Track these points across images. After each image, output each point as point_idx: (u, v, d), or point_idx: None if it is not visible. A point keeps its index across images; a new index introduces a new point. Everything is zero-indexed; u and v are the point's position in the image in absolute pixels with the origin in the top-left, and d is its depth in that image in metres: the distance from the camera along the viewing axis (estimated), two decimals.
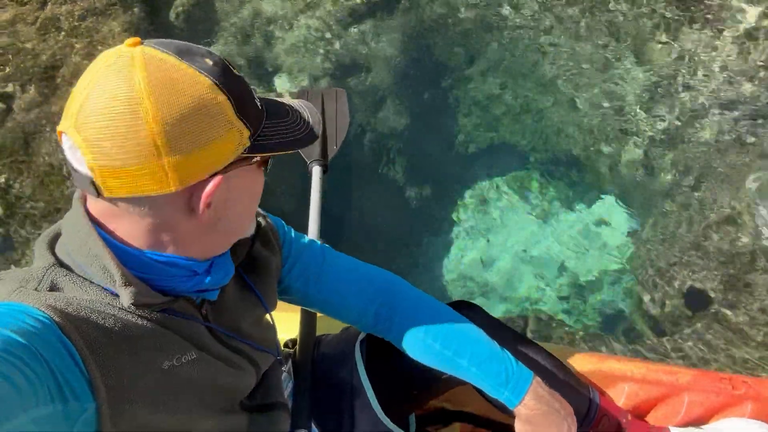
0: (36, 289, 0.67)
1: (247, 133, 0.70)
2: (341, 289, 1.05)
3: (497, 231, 2.68)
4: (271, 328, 0.99)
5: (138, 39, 0.67)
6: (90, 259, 0.70)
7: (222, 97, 0.67)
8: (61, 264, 0.71)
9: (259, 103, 0.73)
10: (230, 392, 0.86)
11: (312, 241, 1.09)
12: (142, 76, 0.63)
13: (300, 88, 2.26)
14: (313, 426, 1.11)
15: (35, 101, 2.69)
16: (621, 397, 1.29)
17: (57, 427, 0.57)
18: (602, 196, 2.74)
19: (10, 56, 2.81)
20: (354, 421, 1.11)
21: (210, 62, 0.68)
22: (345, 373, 1.14)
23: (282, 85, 2.92)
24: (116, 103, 0.62)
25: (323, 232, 1.56)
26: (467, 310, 1.13)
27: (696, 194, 2.48)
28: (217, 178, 0.69)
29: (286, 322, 1.35)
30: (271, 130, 0.74)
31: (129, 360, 0.67)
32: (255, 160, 0.73)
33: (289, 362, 1.12)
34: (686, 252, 2.32)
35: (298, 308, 1.43)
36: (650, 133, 2.74)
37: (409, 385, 1.15)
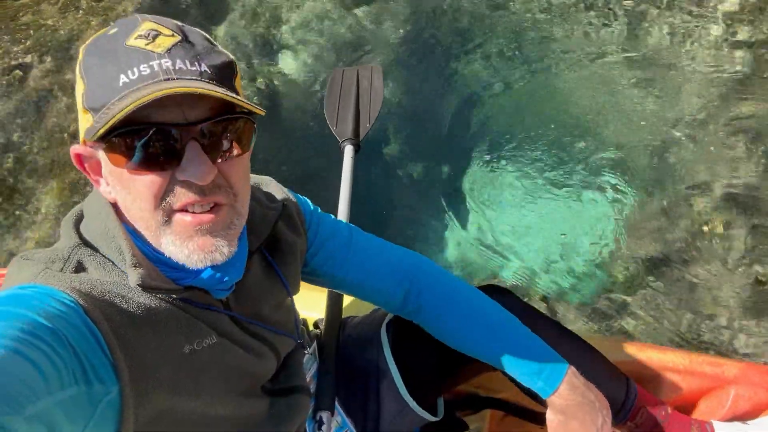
0: (61, 270, 0.67)
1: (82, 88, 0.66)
2: (369, 272, 1.03)
3: (505, 207, 2.69)
4: (292, 312, 0.97)
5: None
6: (108, 240, 0.70)
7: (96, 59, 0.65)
8: (86, 244, 0.71)
9: (132, 73, 0.63)
10: (251, 376, 0.85)
11: (338, 223, 1.06)
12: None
13: (335, 69, 2.23)
14: (338, 407, 1.10)
15: (50, 70, 2.94)
16: (661, 388, 1.23)
17: (81, 409, 0.57)
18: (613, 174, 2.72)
19: (32, 31, 3.08)
20: (379, 403, 1.09)
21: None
22: (371, 355, 1.12)
23: (287, 63, 2.97)
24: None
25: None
26: (498, 294, 1.09)
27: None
28: (79, 146, 0.69)
29: (312, 303, 1.34)
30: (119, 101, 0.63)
31: (152, 343, 0.67)
32: (98, 133, 0.62)
33: (314, 343, 1.10)
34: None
35: (325, 289, 1.41)
36: (644, 113, 2.75)
37: (437, 368, 1.12)
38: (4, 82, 2.92)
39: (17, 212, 2.60)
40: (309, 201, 1.04)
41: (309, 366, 1.07)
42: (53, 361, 0.55)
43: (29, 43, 3.05)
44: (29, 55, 3.00)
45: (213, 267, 0.73)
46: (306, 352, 1.04)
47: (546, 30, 3.08)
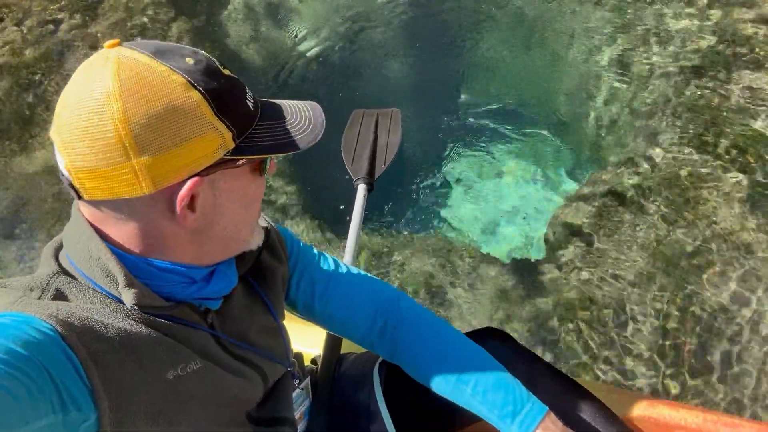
0: (39, 298, 0.67)
1: (229, 134, 0.67)
2: (347, 305, 1.01)
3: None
4: (280, 338, 0.95)
5: (117, 40, 0.67)
6: (92, 263, 0.69)
7: (197, 96, 0.65)
8: (65, 272, 0.71)
9: (251, 103, 0.71)
10: (236, 402, 0.83)
11: (321, 255, 1.06)
12: (113, 76, 0.62)
13: (355, 110, 2.28)
14: None
15: (77, 26, 3.58)
16: None
17: None
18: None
19: None
20: None
21: (190, 61, 0.66)
22: (363, 396, 1.09)
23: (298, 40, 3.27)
24: (86, 104, 0.62)
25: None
26: (494, 339, 1.06)
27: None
28: (193, 180, 0.66)
29: (311, 339, 1.32)
30: (264, 132, 0.71)
31: (132, 370, 0.66)
32: (241, 162, 0.70)
33: (307, 380, 1.07)
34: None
35: None
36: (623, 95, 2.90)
37: (428, 413, 1.08)
38: (37, 33, 3.52)
39: (29, 140, 3.09)
40: (289, 230, 1.05)
41: (300, 401, 1.04)
42: (29, 389, 0.54)
43: (63, 3, 3.71)
44: (62, 12, 3.64)
45: (217, 273, 0.77)
46: (297, 385, 1.01)
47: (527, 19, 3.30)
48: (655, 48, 2.93)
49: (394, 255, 2.46)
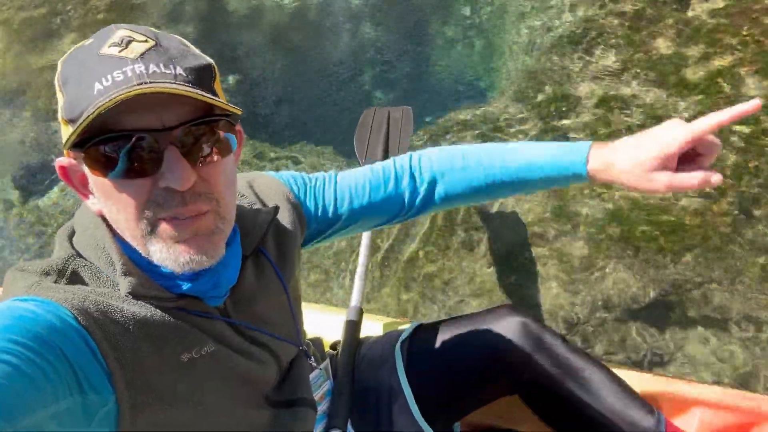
0: (55, 281, 0.67)
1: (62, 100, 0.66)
2: (372, 186, 1.02)
3: None
4: (290, 315, 0.94)
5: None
6: (98, 251, 0.71)
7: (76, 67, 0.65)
8: (80, 255, 0.72)
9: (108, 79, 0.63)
10: (252, 384, 0.83)
11: (327, 173, 1.05)
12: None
13: (366, 109, 2.32)
14: (349, 427, 1.08)
15: None
16: (693, 423, 1.16)
17: (76, 421, 0.57)
18: None
19: None
20: (392, 424, 1.07)
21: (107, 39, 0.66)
22: (384, 375, 1.10)
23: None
24: None
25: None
26: (517, 315, 1.07)
27: None
28: (64, 158, 0.69)
29: (330, 325, 1.34)
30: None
31: (148, 353, 0.67)
32: (69, 140, 0.62)
33: (326, 361, 1.09)
34: None
35: (342, 309, 1.42)
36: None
37: (451, 389, 1.10)
38: None
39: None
40: (298, 176, 1.02)
41: (320, 383, 1.06)
42: (47, 373, 0.55)
43: None
44: None
45: (205, 273, 0.72)
46: (314, 365, 1.02)
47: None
48: None
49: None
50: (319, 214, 1.00)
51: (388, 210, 1.03)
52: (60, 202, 3.03)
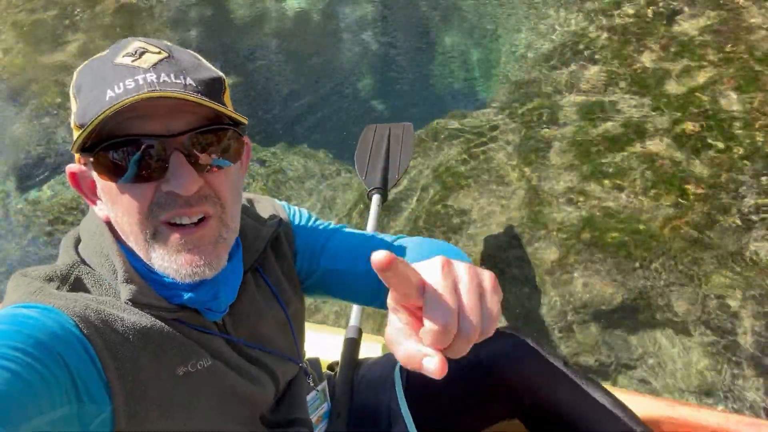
0: (58, 288, 0.67)
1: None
2: (354, 259, 0.95)
3: None
4: (289, 333, 0.93)
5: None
6: (102, 259, 0.71)
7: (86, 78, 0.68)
8: (84, 262, 0.72)
9: (118, 87, 0.64)
10: (248, 404, 0.82)
11: (326, 224, 1.01)
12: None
13: (367, 125, 2.33)
14: None
15: None
16: None
17: (71, 429, 0.57)
18: None
19: None
20: None
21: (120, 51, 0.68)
22: (383, 397, 1.08)
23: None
24: None
25: None
26: (507, 337, 1.06)
27: None
28: (75, 164, 0.71)
29: (328, 346, 1.33)
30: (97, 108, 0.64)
31: (146, 364, 0.67)
32: (76, 142, 0.64)
33: (324, 383, 1.07)
34: None
35: (339, 330, 1.40)
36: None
37: (450, 413, 1.08)
38: None
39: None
40: (303, 211, 1.01)
41: (317, 404, 1.04)
42: (46, 380, 0.55)
43: None
44: None
45: (205, 283, 0.72)
46: (311, 385, 1.00)
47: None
48: None
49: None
50: (307, 253, 0.96)
51: (364, 288, 0.95)
52: (58, 194, 3.04)
